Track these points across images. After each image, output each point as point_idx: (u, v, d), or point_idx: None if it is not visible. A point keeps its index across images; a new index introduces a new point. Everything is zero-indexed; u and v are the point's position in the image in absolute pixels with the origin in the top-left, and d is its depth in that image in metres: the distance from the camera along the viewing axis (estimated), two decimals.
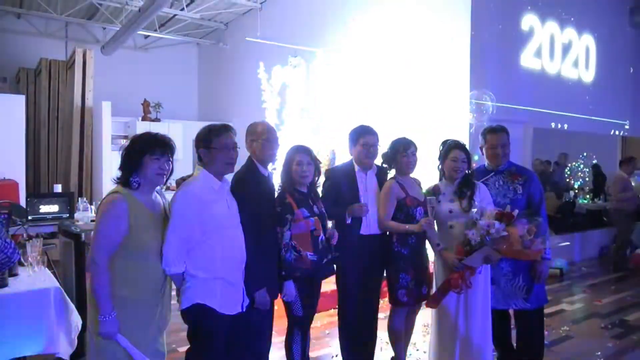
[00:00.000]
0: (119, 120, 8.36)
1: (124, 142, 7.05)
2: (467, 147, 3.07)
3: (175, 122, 8.82)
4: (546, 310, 4.46)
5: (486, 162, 3.17)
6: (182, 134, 7.74)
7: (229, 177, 2.54)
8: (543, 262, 2.93)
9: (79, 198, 4.02)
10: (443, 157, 3.04)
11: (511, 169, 3.09)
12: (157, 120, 8.77)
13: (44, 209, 3.92)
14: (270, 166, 2.80)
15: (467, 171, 2.98)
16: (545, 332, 3.86)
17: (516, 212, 2.74)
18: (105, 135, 7.23)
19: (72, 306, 2.63)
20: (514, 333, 3.24)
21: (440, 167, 3.08)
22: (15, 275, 2.65)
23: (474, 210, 2.83)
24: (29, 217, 3.94)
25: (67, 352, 2.57)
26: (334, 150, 5.58)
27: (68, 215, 3.90)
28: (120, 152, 2.26)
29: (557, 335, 3.99)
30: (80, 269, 3.19)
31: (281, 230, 2.64)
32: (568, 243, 6.59)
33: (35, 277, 2.65)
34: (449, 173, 3.01)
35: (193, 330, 2.38)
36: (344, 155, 3.84)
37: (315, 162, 2.82)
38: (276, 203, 2.69)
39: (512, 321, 3.22)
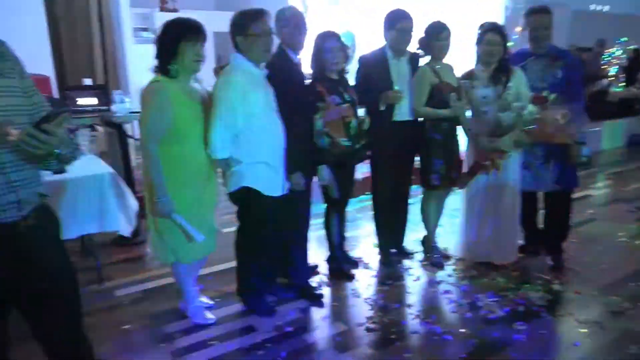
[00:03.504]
0: (137, 11, 8.09)
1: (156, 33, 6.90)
2: None
3: (193, 11, 8.49)
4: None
5: (528, 46, 3.08)
6: None
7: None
8: (577, 146, 2.95)
9: (114, 91, 4.06)
10: (479, 40, 2.97)
11: (551, 53, 3.00)
12: (175, 10, 8.46)
13: (81, 101, 3.99)
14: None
15: (504, 56, 2.92)
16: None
17: (552, 96, 2.73)
18: (126, 28, 7.07)
19: (127, 189, 2.81)
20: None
21: (477, 51, 3.01)
22: None
23: (509, 93, 2.83)
24: None
25: (127, 230, 2.81)
26: (354, 36, 5.35)
27: (106, 107, 3.99)
28: (155, 41, 2.25)
29: (582, 217, 4.12)
30: (125, 157, 3.34)
31: (314, 118, 2.68)
32: (598, 128, 6.49)
33: (89, 164, 2.82)
34: (484, 57, 2.95)
35: (242, 210, 2.56)
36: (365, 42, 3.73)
37: (345, 48, 2.78)
38: (307, 92, 2.71)
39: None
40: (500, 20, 4.90)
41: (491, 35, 2.90)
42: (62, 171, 2.62)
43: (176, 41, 2.17)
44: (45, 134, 1.28)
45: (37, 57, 5.75)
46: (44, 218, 1.50)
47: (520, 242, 3.35)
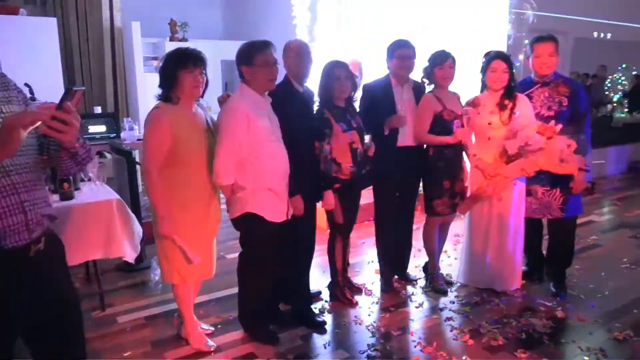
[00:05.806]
0: (148, 41, 8.31)
1: (157, 63, 7.08)
2: None
3: (202, 41, 8.69)
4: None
5: (532, 74, 3.14)
6: (210, 54, 7.66)
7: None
8: (583, 174, 2.95)
9: (124, 118, 4.16)
10: (485, 68, 3.03)
11: (558, 81, 3.04)
12: (184, 40, 8.69)
13: (92, 129, 4.10)
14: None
15: (510, 83, 2.97)
16: None
17: (559, 126, 2.75)
18: (137, 57, 7.26)
19: (133, 215, 2.85)
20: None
21: (482, 78, 3.07)
22: (78, 189, 2.88)
23: (515, 121, 2.86)
24: None
25: (132, 256, 2.83)
26: (360, 64, 5.45)
27: (115, 134, 4.08)
28: (158, 70, 2.35)
29: (586, 243, 4.11)
30: (133, 184, 3.40)
31: (321, 144, 2.74)
32: (603, 161, 6.50)
33: (97, 191, 2.88)
34: (490, 85, 3.01)
35: (245, 236, 2.59)
36: (372, 71, 3.83)
37: (352, 77, 2.85)
38: (315, 119, 2.77)
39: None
40: (502, 48, 4.98)
41: (497, 62, 2.96)
42: (70, 197, 2.71)
43: (175, 69, 2.27)
44: (67, 114, 1.28)
45: (49, 86, 5.91)
46: (51, 243, 1.52)
47: (524, 268, 3.34)
